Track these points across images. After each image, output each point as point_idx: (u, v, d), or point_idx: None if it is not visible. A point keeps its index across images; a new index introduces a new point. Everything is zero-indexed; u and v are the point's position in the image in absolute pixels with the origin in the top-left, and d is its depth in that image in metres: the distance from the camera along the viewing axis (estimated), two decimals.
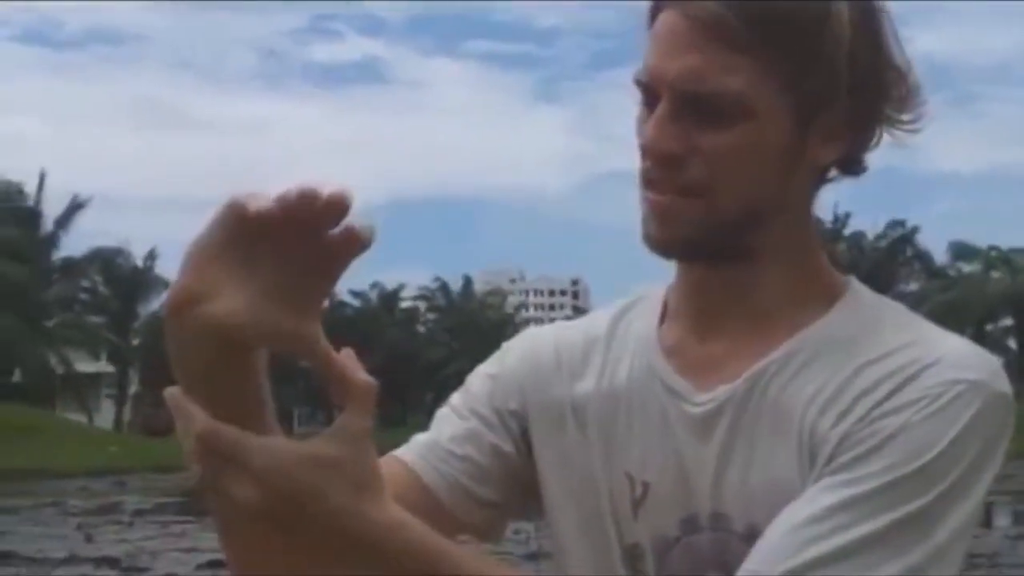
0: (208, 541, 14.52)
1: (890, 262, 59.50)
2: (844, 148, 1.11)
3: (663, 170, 1.08)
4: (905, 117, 1.11)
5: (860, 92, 1.08)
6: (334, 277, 0.87)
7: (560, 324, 1.28)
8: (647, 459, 1.14)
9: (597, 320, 1.24)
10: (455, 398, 1.24)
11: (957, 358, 1.04)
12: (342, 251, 0.85)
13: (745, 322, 1.13)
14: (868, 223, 60.67)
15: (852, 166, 1.14)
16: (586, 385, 1.19)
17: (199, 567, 12.01)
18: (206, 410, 0.88)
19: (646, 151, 1.08)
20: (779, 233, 1.12)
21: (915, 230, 61.41)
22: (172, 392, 0.89)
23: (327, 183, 0.84)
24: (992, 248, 57.16)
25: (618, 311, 1.24)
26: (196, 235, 0.87)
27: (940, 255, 59.23)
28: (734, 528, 1.08)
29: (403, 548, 0.91)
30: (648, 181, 1.10)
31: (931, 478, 0.99)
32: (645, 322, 1.20)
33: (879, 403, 1.02)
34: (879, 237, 60.94)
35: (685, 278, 1.17)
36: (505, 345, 1.27)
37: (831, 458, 1.02)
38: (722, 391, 1.10)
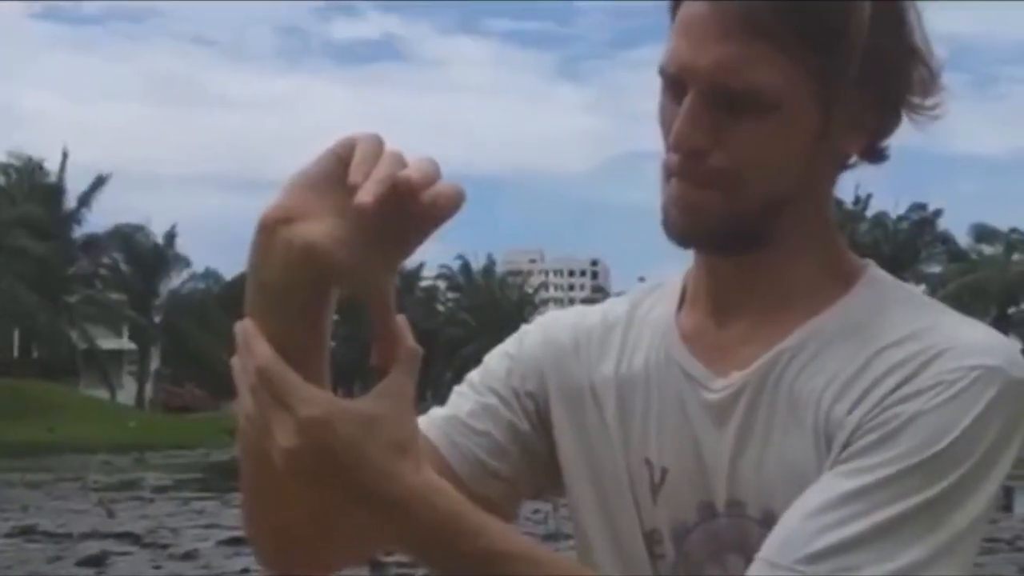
0: (229, 518, 14.59)
1: (912, 243, 59.25)
2: (867, 136, 1.10)
3: (690, 162, 1.07)
4: (927, 103, 1.10)
5: (884, 80, 1.07)
6: (422, 236, 0.90)
7: (579, 309, 1.28)
8: (665, 445, 1.14)
9: (616, 305, 1.24)
10: (473, 375, 1.24)
11: (973, 344, 1.03)
12: (431, 214, 0.88)
13: (763, 307, 1.12)
14: (890, 204, 60.42)
15: (874, 153, 1.13)
16: (605, 370, 1.19)
17: (220, 543, 12.06)
18: (271, 340, 0.89)
19: (674, 145, 1.07)
20: (798, 220, 1.11)
21: (938, 213, 61.14)
22: (243, 323, 0.91)
23: (416, 158, 0.89)
24: (1014, 230, 56.84)
25: (637, 297, 1.24)
26: (305, 162, 0.90)
27: (961, 237, 59.00)
28: (750, 514, 1.08)
29: (433, 513, 0.92)
30: (671, 171, 1.09)
31: (947, 465, 0.99)
32: (663, 307, 1.19)
33: (894, 389, 1.02)
34: (901, 218, 60.69)
35: (703, 264, 1.16)
36: (524, 327, 1.27)
37: (846, 445, 1.01)
38: (738, 377, 1.10)
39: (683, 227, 1.10)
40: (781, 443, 1.07)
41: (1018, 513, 15.68)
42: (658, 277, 1.26)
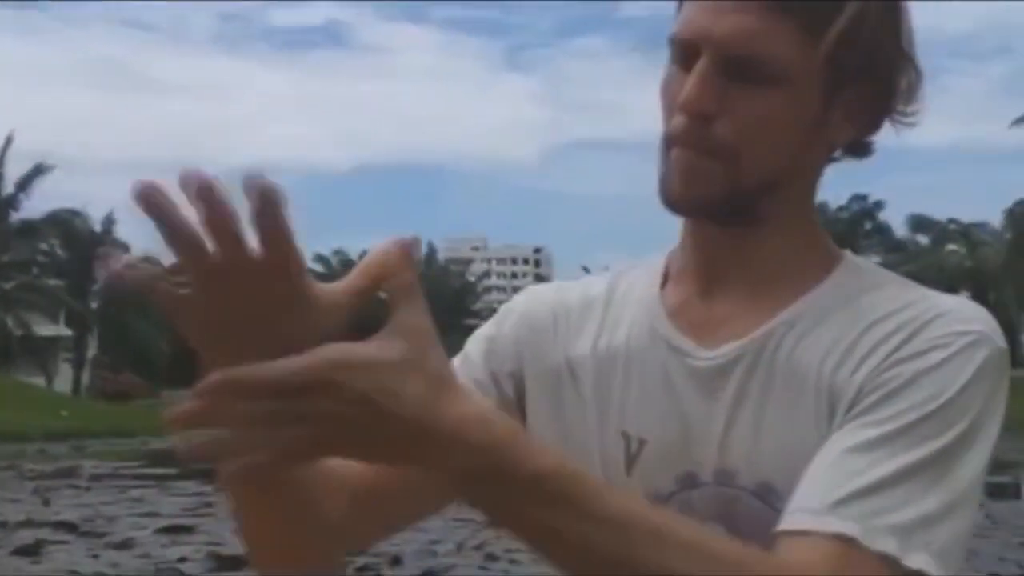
0: (167, 506, 14.47)
1: (852, 234, 59.93)
2: (860, 129, 1.14)
3: (694, 128, 1.09)
4: (908, 108, 1.14)
5: (882, 76, 1.11)
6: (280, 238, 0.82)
7: (560, 284, 1.28)
8: (646, 417, 1.14)
9: (595, 283, 1.25)
10: (454, 361, 1.20)
11: (961, 312, 1.07)
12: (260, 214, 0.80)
13: (750, 285, 1.14)
14: (829, 195, 60.95)
15: (861, 148, 1.16)
16: (582, 346, 1.20)
17: (157, 531, 11.95)
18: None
19: (683, 107, 1.08)
20: (789, 201, 1.14)
21: (879, 204, 61.85)
22: (210, 379, 0.81)
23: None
24: (951, 221, 57.64)
25: (616, 275, 1.25)
26: None
27: (900, 228, 59.75)
28: (742, 484, 1.08)
29: (488, 438, 0.86)
30: (675, 138, 1.10)
31: (950, 419, 1.01)
32: (646, 284, 1.21)
33: (892, 352, 1.05)
34: (841, 208, 61.34)
35: (693, 239, 1.18)
36: (505, 307, 1.27)
37: (851, 406, 1.04)
38: (731, 348, 1.11)
39: (684, 195, 1.11)
40: (779, 414, 1.08)
41: None
42: (601, 265, 1.27)
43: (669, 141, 1.11)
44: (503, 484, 0.88)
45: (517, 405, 1.21)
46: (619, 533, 0.89)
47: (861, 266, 1.17)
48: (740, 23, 1.06)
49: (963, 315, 1.07)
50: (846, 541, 0.96)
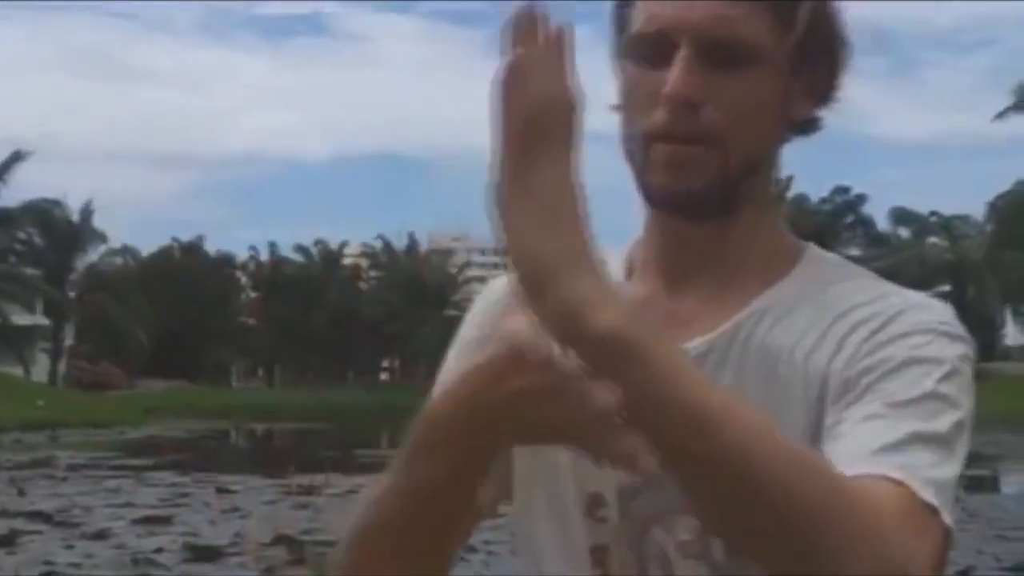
0: (142, 496, 14.41)
1: (834, 227, 60.14)
2: (815, 105, 1.15)
3: (681, 118, 1.08)
4: (839, 83, 1.15)
5: (832, 51, 1.13)
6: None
7: None
8: None
9: None
10: (441, 373, 1.22)
11: (931, 306, 1.09)
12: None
13: (717, 278, 1.14)
14: (811, 187, 61.24)
15: (811, 125, 1.17)
16: None
17: (133, 522, 11.91)
18: None
19: (670, 97, 1.08)
20: (757, 188, 1.14)
21: (861, 197, 62.09)
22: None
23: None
24: (933, 214, 57.89)
25: None
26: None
27: (882, 221, 60.00)
28: None
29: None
30: (660, 133, 1.09)
31: (946, 401, 1.02)
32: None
33: (868, 337, 1.05)
34: (823, 201, 61.54)
35: (661, 232, 1.17)
36: (478, 306, 1.26)
37: (844, 392, 1.04)
38: (701, 342, 1.11)
39: (673, 189, 1.10)
40: (754, 403, 1.06)
41: None
42: None
43: (651, 136, 1.10)
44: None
45: None
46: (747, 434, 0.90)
47: (827, 258, 1.17)
48: (716, 9, 1.07)
49: (934, 309, 1.09)
50: (896, 484, 0.95)
